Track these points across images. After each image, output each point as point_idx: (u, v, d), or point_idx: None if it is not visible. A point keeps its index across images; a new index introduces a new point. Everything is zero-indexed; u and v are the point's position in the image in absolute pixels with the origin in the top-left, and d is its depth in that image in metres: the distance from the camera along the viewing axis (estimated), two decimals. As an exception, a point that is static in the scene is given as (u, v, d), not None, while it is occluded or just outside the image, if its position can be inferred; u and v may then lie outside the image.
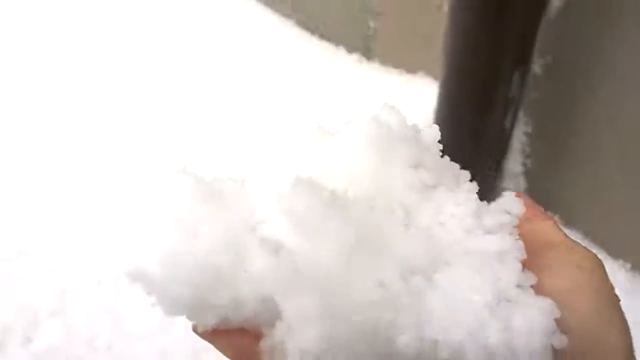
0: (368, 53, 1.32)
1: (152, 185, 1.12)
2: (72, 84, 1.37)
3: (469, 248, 0.29)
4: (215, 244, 0.28)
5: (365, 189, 0.31)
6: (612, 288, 0.29)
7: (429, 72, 1.25)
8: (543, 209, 0.32)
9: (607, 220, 1.06)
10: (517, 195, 0.32)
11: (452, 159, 1.24)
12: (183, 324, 0.79)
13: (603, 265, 0.29)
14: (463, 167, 1.20)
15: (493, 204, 0.30)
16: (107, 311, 0.98)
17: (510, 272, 0.27)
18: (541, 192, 1.16)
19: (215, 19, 1.46)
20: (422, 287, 0.27)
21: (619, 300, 0.29)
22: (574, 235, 1.07)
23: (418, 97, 1.20)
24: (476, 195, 0.31)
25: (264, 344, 0.29)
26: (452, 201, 0.31)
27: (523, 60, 0.99)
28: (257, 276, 0.28)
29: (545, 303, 0.26)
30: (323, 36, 1.40)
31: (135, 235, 1.08)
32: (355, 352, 0.26)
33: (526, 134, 1.14)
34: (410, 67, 1.26)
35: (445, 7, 1.00)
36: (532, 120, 1.11)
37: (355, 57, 1.35)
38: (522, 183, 1.19)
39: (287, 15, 1.42)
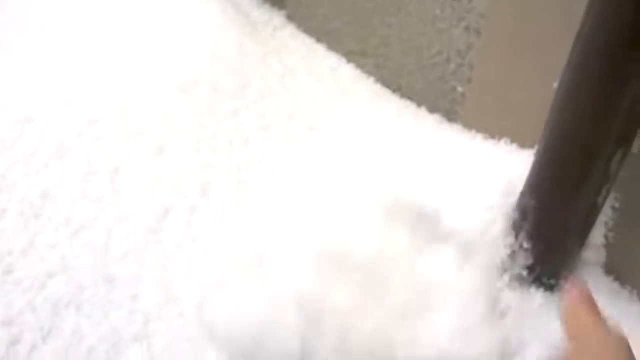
0: (451, 115, 1.34)
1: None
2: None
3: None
4: (259, 311, 0.33)
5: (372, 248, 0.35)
6: None
7: (515, 139, 1.26)
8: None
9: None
10: (576, 283, 0.39)
11: (541, 229, 1.23)
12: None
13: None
14: (551, 237, 1.20)
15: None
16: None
17: None
18: (622, 265, 1.17)
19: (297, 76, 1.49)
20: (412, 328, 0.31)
21: None
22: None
23: (503, 163, 1.22)
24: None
25: None
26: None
27: (627, 138, 1.01)
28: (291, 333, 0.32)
29: None
30: (404, 95, 1.43)
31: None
32: None
33: (613, 208, 1.15)
34: (495, 133, 1.27)
35: (543, 81, 1.03)
36: (621, 196, 1.13)
37: (436, 117, 1.37)
38: (602, 254, 1.20)
39: (369, 72, 1.46)
